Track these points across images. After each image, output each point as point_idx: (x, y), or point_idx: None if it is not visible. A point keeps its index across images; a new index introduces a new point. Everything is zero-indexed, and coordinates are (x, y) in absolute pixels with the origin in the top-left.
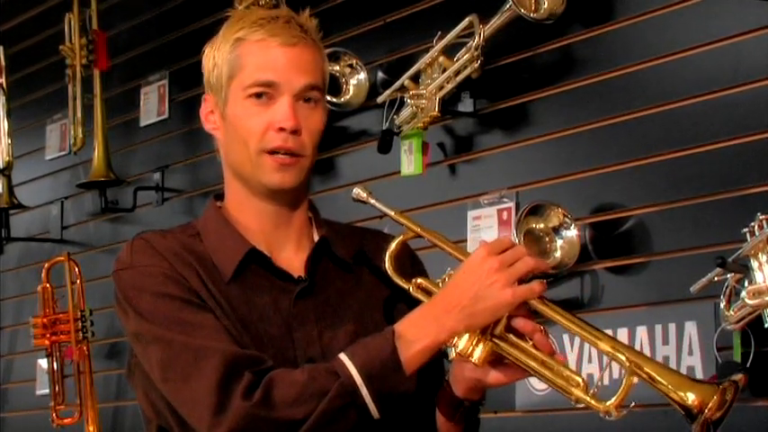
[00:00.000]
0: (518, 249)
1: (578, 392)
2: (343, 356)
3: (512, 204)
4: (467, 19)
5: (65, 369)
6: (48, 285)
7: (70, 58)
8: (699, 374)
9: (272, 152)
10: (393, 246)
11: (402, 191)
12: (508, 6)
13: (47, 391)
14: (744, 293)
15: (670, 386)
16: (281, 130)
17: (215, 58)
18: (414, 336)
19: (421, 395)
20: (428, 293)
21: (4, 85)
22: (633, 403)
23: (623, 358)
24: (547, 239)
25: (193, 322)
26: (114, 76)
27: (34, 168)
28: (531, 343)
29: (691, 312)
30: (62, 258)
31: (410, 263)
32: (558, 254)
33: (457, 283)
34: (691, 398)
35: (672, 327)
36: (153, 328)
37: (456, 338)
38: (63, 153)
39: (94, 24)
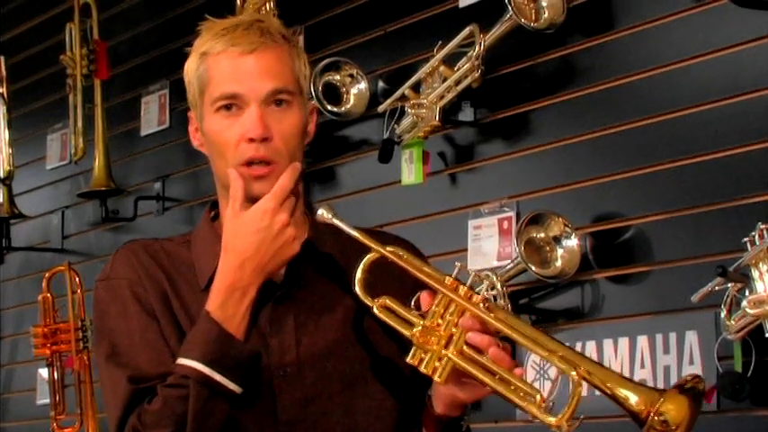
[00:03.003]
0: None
1: (532, 408)
2: (181, 361)
3: (512, 213)
4: (467, 28)
5: (65, 378)
6: (48, 295)
7: (71, 68)
8: None
9: (248, 163)
10: (359, 271)
11: (403, 200)
12: (509, 16)
13: (47, 400)
14: (744, 303)
15: (616, 390)
16: (251, 140)
17: (188, 74)
18: (229, 311)
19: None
20: (392, 312)
21: (5, 94)
22: (582, 416)
23: (573, 373)
24: (547, 249)
25: (127, 352)
26: (115, 85)
27: (35, 178)
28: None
29: (691, 322)
30: (63, 268)
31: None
32: (558, 263)
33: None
34: (634, 400)
35: (672, 336)
36: (98, 351)
37: (420, 361)
38: (64, 162)
39: (95, 34)
